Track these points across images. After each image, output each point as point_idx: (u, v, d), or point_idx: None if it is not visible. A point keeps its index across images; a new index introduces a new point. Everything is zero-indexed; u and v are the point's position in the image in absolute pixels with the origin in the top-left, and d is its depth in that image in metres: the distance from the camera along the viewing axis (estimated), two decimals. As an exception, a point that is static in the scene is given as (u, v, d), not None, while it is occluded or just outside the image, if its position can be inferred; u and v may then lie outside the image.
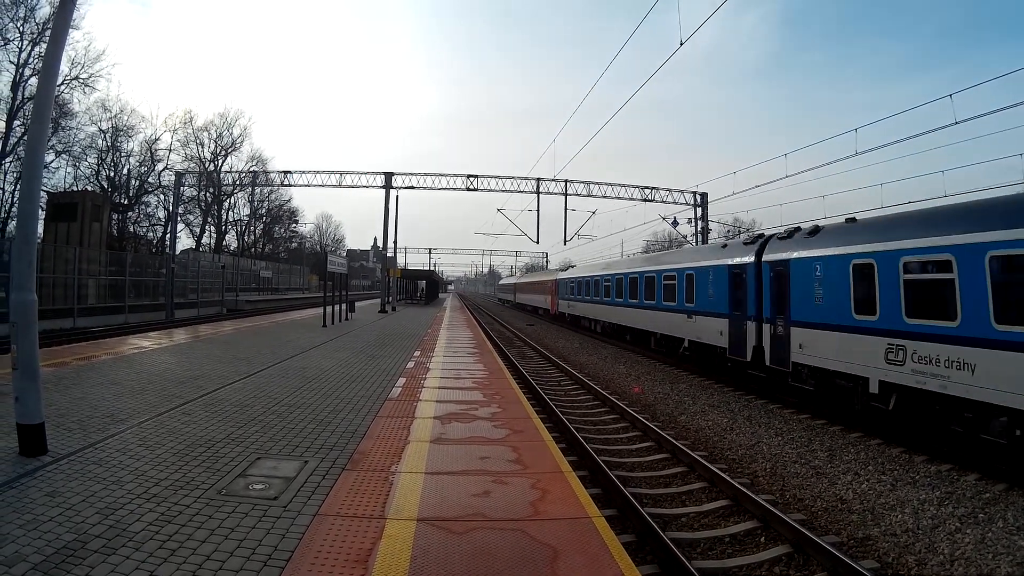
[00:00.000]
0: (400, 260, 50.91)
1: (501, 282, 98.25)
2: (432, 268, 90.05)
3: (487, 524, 4.44)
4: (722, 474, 7.66)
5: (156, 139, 52.31)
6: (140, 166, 51.01)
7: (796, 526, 5.96)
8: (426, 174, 38.00)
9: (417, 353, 15.40)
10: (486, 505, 4.84)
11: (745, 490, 7.06)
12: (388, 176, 37.40)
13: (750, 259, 13.67)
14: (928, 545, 6.00)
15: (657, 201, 39.20)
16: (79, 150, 43.84)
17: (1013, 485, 7.43)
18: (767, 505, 6.54)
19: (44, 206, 32.10)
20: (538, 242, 40.00)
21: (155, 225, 53.65)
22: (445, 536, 4.20)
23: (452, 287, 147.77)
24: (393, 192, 37.15)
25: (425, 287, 67.88)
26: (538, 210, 38.55)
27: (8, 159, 37.75)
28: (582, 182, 38.81)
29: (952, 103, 15.63)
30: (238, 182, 52.02)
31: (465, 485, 5.32)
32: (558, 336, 29.38)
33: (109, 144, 47.35)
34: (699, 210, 38.42)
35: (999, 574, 5.35)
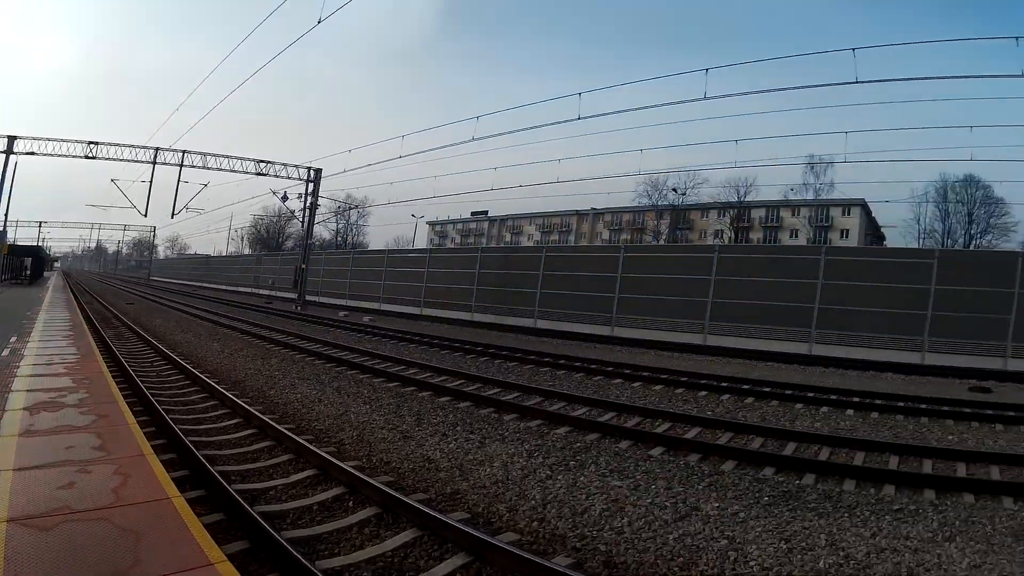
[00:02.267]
0: (11, 235, 42.58)
1: None
2: (41, 244, 76.55)
3: (74, 516, 4.53)
4: (308, 445, 7.95)
5: None
6: None
7: (383, 488, 6.37)
8: (48, 139, 32.33)
9: (14, 339, 13.92)
10: (72, 497, 4.93)
11: (331, 458, 7.37)
12: (11, 140, 30.57)
13: None
14: (519, 493, 6.58)
15: (271, 175, 40.05)
16: None
17: (606, 435, 8.35)
18: (353, 471, 6.90)
19: None
20: (146, 215, 37.78)
21: None
22: (36, 535, 4.19)
23: (59, 264, 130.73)
24: (13, 158, 30.83)
25: (31, 265, 59.31)
26: (151, 181, 36.56)
27: None
28: (199, 153, 37.67)
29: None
30: None
31: (52, 478, 5.29)
32: (156, 315, 29.06)
33: None
34: (311, 185, 39.98)
35: (594, 511, 6.13)
